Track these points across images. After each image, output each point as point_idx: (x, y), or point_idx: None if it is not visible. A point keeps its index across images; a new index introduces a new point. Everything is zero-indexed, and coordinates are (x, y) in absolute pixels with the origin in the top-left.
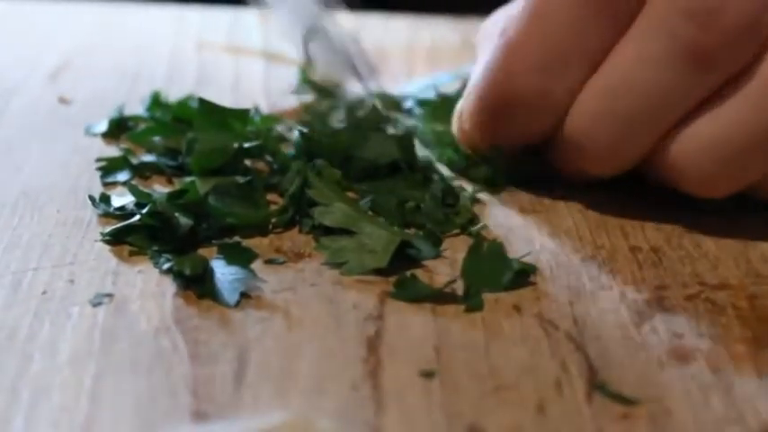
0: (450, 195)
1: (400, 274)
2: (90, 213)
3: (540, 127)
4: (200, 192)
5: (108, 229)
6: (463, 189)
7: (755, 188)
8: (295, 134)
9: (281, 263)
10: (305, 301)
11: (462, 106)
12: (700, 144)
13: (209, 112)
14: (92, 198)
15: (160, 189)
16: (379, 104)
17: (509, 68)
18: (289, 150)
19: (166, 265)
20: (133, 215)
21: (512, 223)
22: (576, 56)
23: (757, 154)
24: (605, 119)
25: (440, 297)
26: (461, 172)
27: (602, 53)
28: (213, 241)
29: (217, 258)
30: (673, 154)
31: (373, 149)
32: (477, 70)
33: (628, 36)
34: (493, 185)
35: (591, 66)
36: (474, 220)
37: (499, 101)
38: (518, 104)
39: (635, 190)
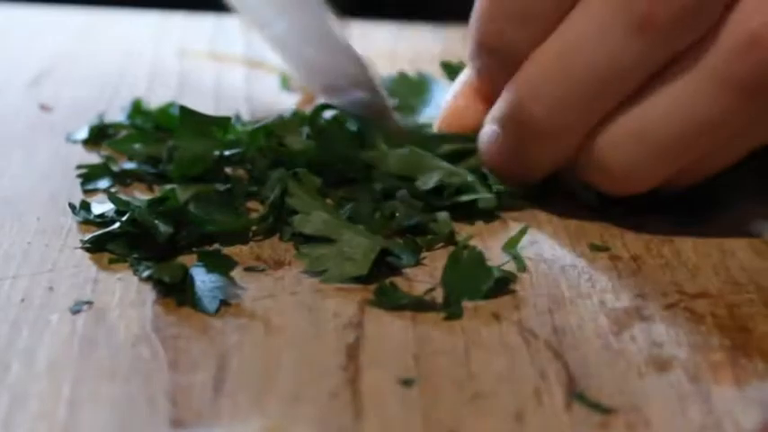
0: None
1: (380, 281)
2: (70, 221)
3: (501, 77)
4: (180, 199)
5: (88, 236)
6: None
7: (669, 182)
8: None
9: (261, 270)
10: (284, 309)
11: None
12: (629, 132)
13: (190, 120)
14: (72, 205)
15: (141, 196)
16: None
17: (482, 15)
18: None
19: (146, 273)
20: (113, 223)
21: (491, 231)
22: (534, 15)
23: (686, 147)
24: (553, 81)
25: (419, 305)
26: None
27: (557, 19)
28: (193, 249)
29: (197, 266)
30: (600, 143)
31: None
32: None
33: (583, 2)
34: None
35: (546, 29)
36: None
37: (474, 44)
38: (485, 49)
39: (615, 198)
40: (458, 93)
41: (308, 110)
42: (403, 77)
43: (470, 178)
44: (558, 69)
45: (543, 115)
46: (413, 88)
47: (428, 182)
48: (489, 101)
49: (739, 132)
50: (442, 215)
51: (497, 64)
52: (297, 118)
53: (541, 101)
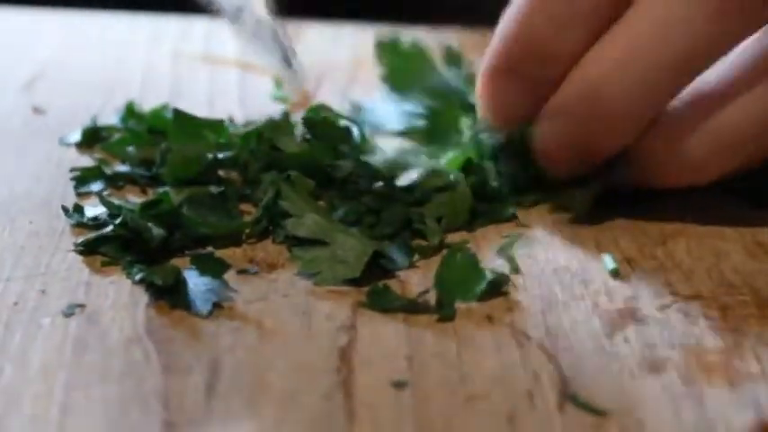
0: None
1: (373, 284)
2: (63, 223)
3: (547, 81)
4: (173, 202)
5: (81, 239)
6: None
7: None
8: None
9: (254, 273)
10: (277, 312)
11: (483, 65)
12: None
13: (184, 123)
14: (65, 208)
15: (134, 199)
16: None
17: (526, 17)
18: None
19: (139, 276)
20: (106, 225)
21: (484, 233)
22: (584, 13)
23: (757, 140)
24: (629, 67)
25: (412, 307)
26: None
27: (609, 17)
28: (186, 252)
29: (190, 269)
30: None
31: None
32: (499, 28)
33: None
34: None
35: (597, 26)
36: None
37: (514, 48)
38: (531, 53)
39: (608, 200)
40: (491, 88)
41: (301, 112)
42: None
43: (453, 177)
44: (635, 56)
45: (617, 101)
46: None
47: (406, 180)
48: (525, 97)
49: None
50: (431, 222)
51: (540, 65)
52: (289, 120)
53: (616, 87)
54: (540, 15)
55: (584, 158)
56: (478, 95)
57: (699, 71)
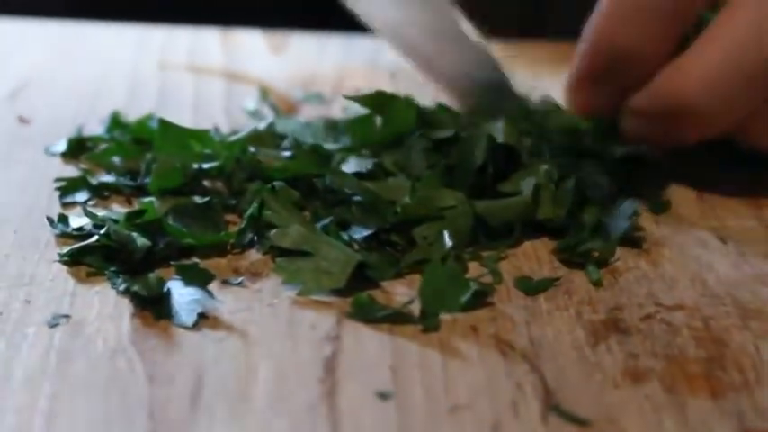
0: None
1: (357, 294)
2: (48, 234)
3: (632, 83)
4: (158, 212)
5: (66, 249)
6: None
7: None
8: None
9: (239, 283)
10: (262, 322)
11: (571, 72)
12: None
13: (169, 133)
14: (49, 219)
15: (119, 209)
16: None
17: (608, 25)
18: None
19: (124, 286)
20: (91, 236)
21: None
22: (676, 15)
23: None
24: (722, 75)
25: (397, 317)
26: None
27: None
28: (171, 262)
29: (174, 279)
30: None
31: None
32: (588, 29)
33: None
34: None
35: (681, 25)
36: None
37: (599, 57)
38: (619, 56)
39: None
40: (579, 96)
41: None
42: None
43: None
44: (727, 65)
45: (710, 106)
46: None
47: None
48: (612, 100)
49: None
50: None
51: (624, 71)
52: (274, 131)
53: (709, 93)
54: (622, 22)
55: (671, 145)
56: (567, 102)
57: None
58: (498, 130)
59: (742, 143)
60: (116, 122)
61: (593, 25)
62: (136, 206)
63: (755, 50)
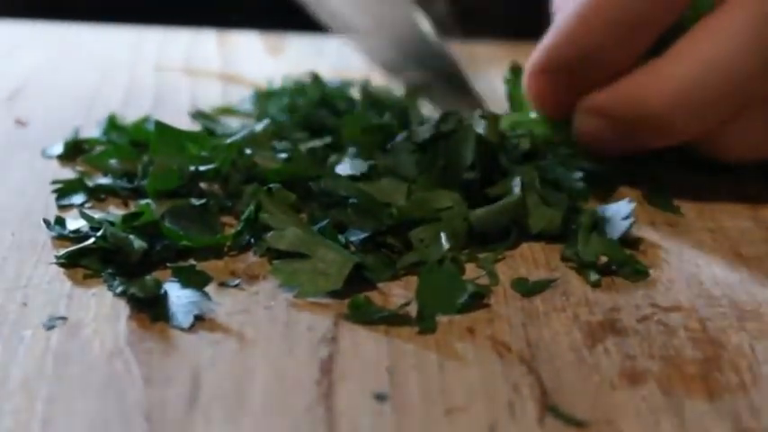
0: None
1: (354, 296)
2: (45, 236)
3: (593, 85)
4: (155, 214)
5: (62, 251)
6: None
7: None
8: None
9: (236, 285)
10: (259, 324)
11: (531, 61)
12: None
13: (166, 135)
14: (46, 221)
15: (116, 211)
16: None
17: (583, 21)
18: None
19: (120, 288)
20: (88, 238)
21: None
22: (646, 24)
23: None
24: (691, 88)
25: (393, 319)
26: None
27: (660, 27)
28: (168, 264)
29: (171, 281)
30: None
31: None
32: (554, 26)
33: (722, 14)
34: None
35: (647, 36)
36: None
37: (567, 50)
38: (577, 56)
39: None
40: (539, 84)
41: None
42: None
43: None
44: (699, 79)
45: (678, 120)
46: None
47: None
48: (570, 94)
49: None
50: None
51: (590, 68)
52: (269, 132)
53: (679, 108)
54: (598, 21)
55: (623, 151)
56: (526, 88)
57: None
58: (481, 126)
59: (704, 152)
60: (113, 125)
61: (557, 21)
62: (132, 208)
63: (730, 66)
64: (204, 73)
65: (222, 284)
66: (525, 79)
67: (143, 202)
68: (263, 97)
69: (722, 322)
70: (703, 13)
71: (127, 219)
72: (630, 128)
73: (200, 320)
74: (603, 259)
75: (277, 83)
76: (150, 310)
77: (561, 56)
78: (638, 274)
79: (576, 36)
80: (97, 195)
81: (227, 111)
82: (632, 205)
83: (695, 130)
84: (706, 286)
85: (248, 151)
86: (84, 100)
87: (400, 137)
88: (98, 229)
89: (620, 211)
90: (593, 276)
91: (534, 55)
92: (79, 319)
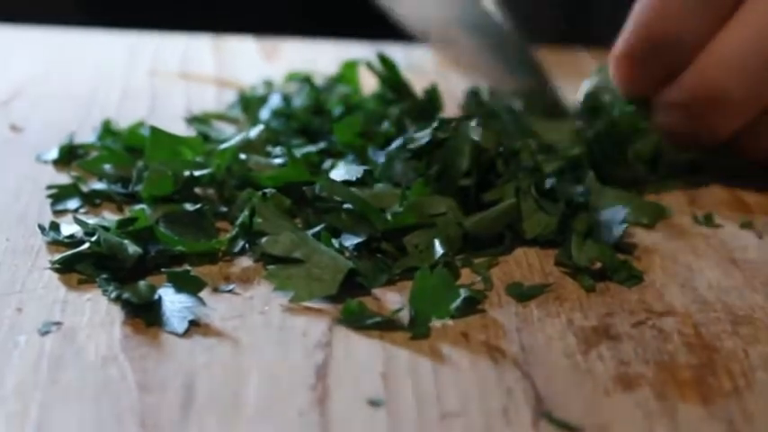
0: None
1: (349, 301)
2: (39, 241)
3: (673, 68)
4: (149, 220)
5: (57, 257)
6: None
7: None
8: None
9: (230, 291)
10: (253, 329)
11: (615, 48)
12: None
13: (160, 140)
14: (41, 226)
15: (110, 217)
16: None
17: (659, 6)
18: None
19: (115, 294)
20: (82, 243)
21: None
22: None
23: None
24: (749, 60)
25: (388, 324)
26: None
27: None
28: (162, 269)
29: (165, 286)
30: None
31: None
32: (633, 12)
33: None
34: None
35: (726, 13)
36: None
37: (646, 37)
38: (657, 40)
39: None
40: (624, 72)
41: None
42: None
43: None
44: (753, 49)
45: (738, 91)
46: None
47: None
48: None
49: None
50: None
51: (670, 52)
52: (264, 137)
53: (737, 78)
54: (673, 4)
55: (700, 142)
56: (613, 77)
57: None
58: (478, 134)
59: (747, 152)
60: (107, 130)
61: (636, 8)
62: (127, 213)
63: None
64: (199, 78)
65: (217, 290)
66: (610, 66)
67: (138, 207)
68: (253, 103)
69: (716, 327)
70: None
71: (121, 224)
72: (701, 113)
73: (194, 325)
74: (598, 264)
75: (260, 88)
76: (145, 315)
77: (644, 39)
78: (633, 279)
79: (655, 19)
80: (92, 200)
81: (218, 116)
82: (626, 210)
83: (756, 102)
84: (700, 291)
85: (243, 156)
86: (80, 105)
87: (396, 143)
88: (93, 235)
89: (615, 216)
90: (588, 281)
91: (618, 42)
92: (74, 324)
